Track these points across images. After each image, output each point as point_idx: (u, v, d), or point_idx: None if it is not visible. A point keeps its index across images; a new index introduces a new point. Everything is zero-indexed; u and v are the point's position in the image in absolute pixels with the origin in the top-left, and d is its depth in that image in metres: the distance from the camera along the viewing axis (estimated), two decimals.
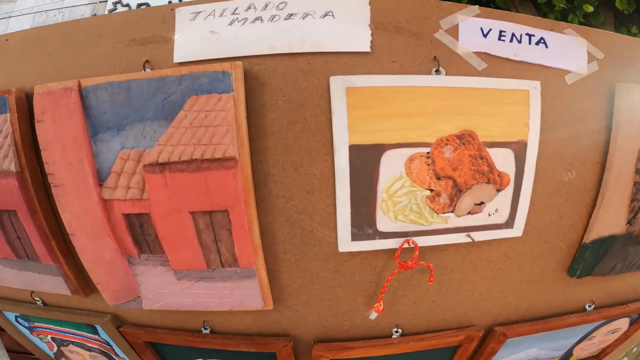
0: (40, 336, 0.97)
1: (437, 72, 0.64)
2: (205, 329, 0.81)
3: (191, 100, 0.63)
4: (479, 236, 0.72)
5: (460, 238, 0.71)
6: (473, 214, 0.70)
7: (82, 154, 0.65)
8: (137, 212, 0.68)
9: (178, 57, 0.65)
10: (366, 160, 0.65)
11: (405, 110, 0.63)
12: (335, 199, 0.68)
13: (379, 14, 0.63)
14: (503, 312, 0.84)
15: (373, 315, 0.75)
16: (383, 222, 0.68)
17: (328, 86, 0.62)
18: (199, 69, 0.62)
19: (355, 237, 0.68)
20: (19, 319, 0.93)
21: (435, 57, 0.64)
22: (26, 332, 0.97)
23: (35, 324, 0.93)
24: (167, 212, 0.66)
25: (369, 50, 0.62)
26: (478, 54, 0.66)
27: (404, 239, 0.69)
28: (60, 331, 0.92)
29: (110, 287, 0.75)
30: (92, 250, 0.72)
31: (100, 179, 0.67)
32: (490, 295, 0.81)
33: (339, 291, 0.76)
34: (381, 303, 0.74)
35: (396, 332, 0.81)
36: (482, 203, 0.70)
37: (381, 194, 0.66)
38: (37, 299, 0.87)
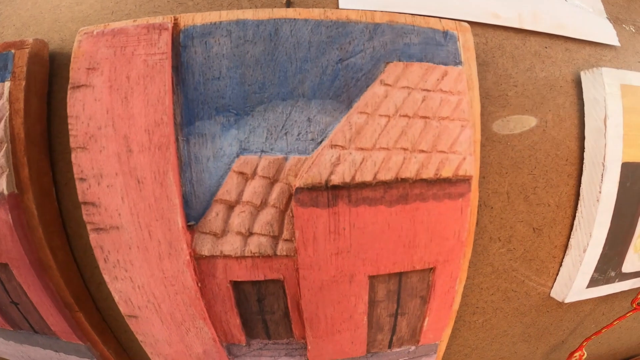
0: None
1: None
2: None
3: (393, 68, 0.34)
4: None
5: None
6: None
7: (165, 160, 0.33)
8: (261, 278, 0.39)
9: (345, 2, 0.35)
10: (637, 183, 0.42)
11: None
12: (568, 238, 0.45)
13: (612, 8, 0.50)
14: None
15: None
16: (630, 262, 0.47)
17: (574, 80, 0.45)
18: (405, 20, 0.33)
19: (593, 283, 0.47)
20: None
21: None
22: None
23: None
24: (327, 279, 0.38)
25: (618, 44, 0.48)
26: None
27: None
28: None
29: None
30: (171, 341, 0.42)
31: (191, 215, 0.36)
32: None
33: (521, 347, 0.55)
34: (584, 351, 0.55)
35: None
36: None
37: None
38: None
